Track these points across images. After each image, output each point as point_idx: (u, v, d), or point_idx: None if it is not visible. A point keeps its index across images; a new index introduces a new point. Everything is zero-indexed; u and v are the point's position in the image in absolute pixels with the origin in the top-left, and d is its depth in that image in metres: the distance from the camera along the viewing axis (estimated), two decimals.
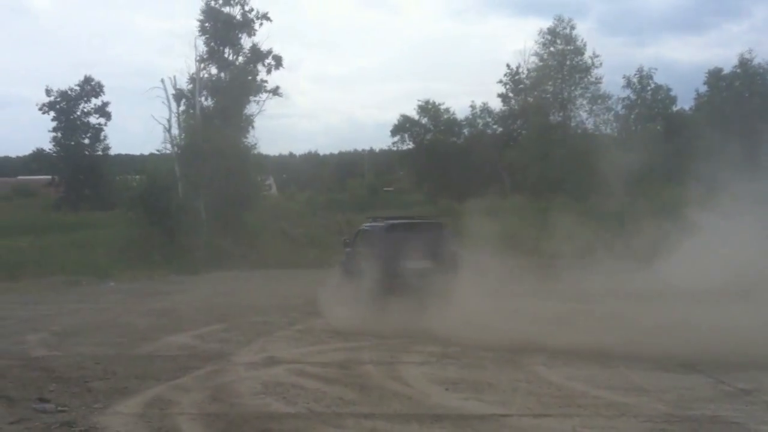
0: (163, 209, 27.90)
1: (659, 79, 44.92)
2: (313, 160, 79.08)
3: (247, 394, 8.22)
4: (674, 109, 45.10)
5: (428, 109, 47.76)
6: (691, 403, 7.71)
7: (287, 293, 18.27)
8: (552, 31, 44.22)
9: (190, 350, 11.07)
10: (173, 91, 33.09)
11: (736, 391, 8.18)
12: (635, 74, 44.76)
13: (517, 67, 46.03)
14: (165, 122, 32.54)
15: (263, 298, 17.32)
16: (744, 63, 40.55)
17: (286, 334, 12.46)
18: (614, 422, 7.02)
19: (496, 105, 47.14)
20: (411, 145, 48.38)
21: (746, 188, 15.74)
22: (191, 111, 33.74)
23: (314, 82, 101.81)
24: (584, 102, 44.01)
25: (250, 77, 35.10)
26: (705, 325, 10.59)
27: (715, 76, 41.84)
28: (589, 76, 43.64)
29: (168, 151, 33.18)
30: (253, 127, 35.43)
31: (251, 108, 35.66)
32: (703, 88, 43.99)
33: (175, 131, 32.82)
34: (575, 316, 12.56)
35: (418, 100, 49.16)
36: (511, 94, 46.66)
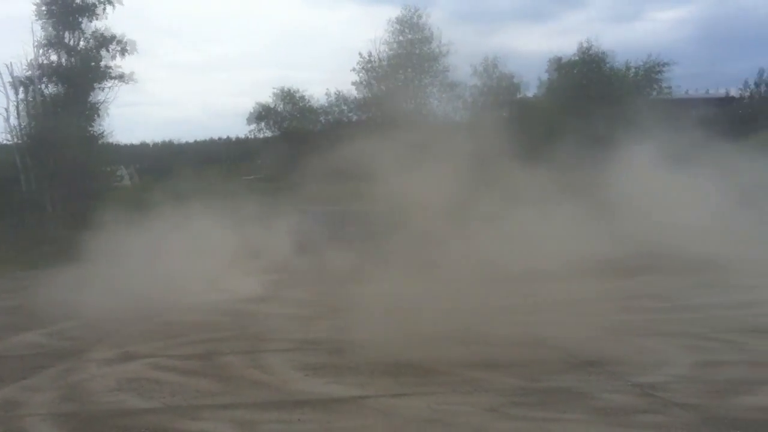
0: (4, 204, 26.47)
1: (506, 66, 46.46)
2: (169, 149, 76.62)
3: (100, 392, 8.00)
4: (519, 96, 46.81)
5: (285, 96, 47.48)
6: (540, 375, 8.11)
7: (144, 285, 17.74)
8: (401, 20, 44.93)
9: (39, 349, 10.62)
10: (10, 79, 31.33)
11: (582, 363, 8.64)
12: (482, 62, 46.17)
13: (370, 56, 46.51)
14: (3, 111, 30.76)
15: (118, 292, 16.74)
16: (583, 51, 42.65)
17: (143, 327, 12.08)
18: (468, 398, 7.33)
19: (352, 93, 47.46)
20: (269, 133, 47.96)
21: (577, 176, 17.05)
22: (31, 99, 32.01)
23: (169, 68, 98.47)
24: (434, 90, 45.03)
25: (93, 63, 33.58)
26: None
27: (556, 64, 43.75)
28: (438, 65, 44.68)
29: (8, 142, 31.37)
30: (99, 116, 33.92)
31: (98, 95, 34.16)
32: (546, 76, 45.94)
33: (14, 121, 31.08)
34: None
35: (274, 88, 48.77)
36: (365, 83, 47.09)
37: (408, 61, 45.37)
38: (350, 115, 48.07)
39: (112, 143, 36.11)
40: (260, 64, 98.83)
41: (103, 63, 33.92)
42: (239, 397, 7.59)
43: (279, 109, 48.02)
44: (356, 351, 9.58)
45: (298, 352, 9.70)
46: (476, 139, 14.78)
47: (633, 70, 41.42)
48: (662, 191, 17.81)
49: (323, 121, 48.18)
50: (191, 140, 66.40)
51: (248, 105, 51.79)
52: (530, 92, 47.44)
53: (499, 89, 46.32)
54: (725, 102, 48.22)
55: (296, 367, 8.79)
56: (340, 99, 47.73)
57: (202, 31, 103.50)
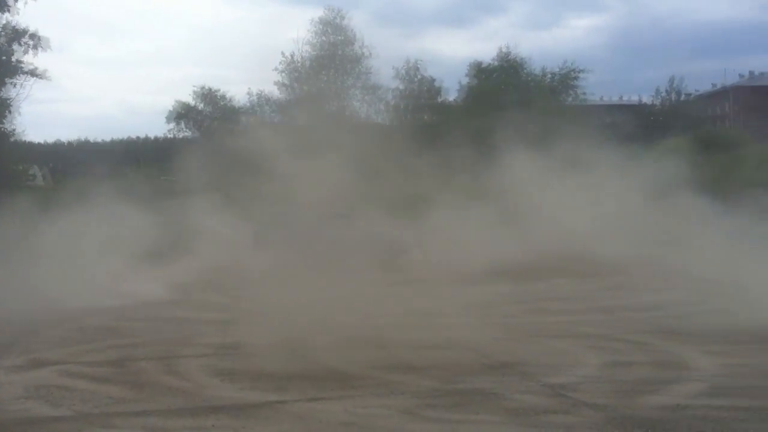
0: None
1: (428, 70, 46.95)
2: (85, 147, 74.49)
3: (7, 400, 7.73)
4: (440, 99, 47.37)
5: (205, 96, 46.83)
6: (455, 377, 8.24)
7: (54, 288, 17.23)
8: (324, 21, 44.92)
9: None
10: None
11: (495, 365, 8.84)
12: (404, 66, 46.54)
13: (292, 56, 46.30)
14: None
15: (26, 295, 16.21)
16: (502, 57, 43.48)
17: (53, 332, 11.70)
18: (384, 400, 7.39)
19: (274, 93, 47.14)
20: (188, 133, 47.21)
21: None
22: None
23: (86, 65, 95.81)
24: (357, 92, 45.14)
25: (4, 57, 32.41)
26: None
27: (476, 69, 44.46)
28: (360, 67, 44.81)
29: None
30: (9, 112, 32.78)
31: (10, 91, 32.98)
32: (466, 80, 46.63)
33: None
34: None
35: (194, 87, 48.06)
36: (287, 83, 46.85)
37: (331, 62, 45.35)
38: (273, 115, 47.77)
39: (24, 141, 35.02)
40: (180, 61, 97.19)
41: (14, 58, 32.85)
42: (152, 403, 7.46)
43: (199, 109, 47.34)
44: (274, 356, 9.52)
45: (215, 357, 9.59)
46: (389, 142, 14.95)
47: (549, 76, 42.45)
48: (571, 195, 18.38)
49: (245, 121, 47.69)
50: (108, 139, 64.82)
51: (168, 103, 50.81)
52: (451, 96, 48.05)
53: (420, 93, 46.76)
54: (638, 108, 49.89)
55: (212, 373, 8.69)
56: (262, 99, 47.36)
57: (120, 27, 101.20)
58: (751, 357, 8.75)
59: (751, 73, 72.17)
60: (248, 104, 47.15)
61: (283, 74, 46.48)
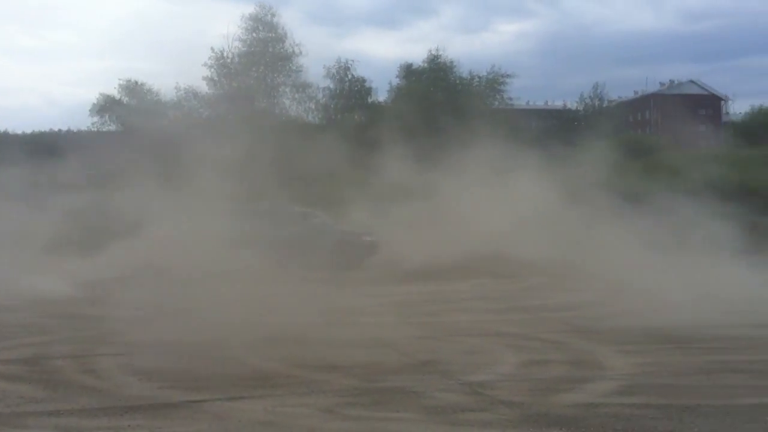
0: None
1: (359, 70, 47.09)
2: (4, 139, 72.01)
3: None
4: (370, 100, 47.53)
5: (131, 89, 45.81)
6: (376, 376, 8.29)
7: None
8: (254, 18, 44.51)
9: None
10: None
11: (417, 363, 8.94)
12: (335, 65, 46.52)
13: (222, 52, 45.74)
14: None
15: None
16: (431, 59, 43.87)
17: None
18: (305, 399, 7.37)
19: (203, 88, 46.46)
20: (113, 127, 46.13)
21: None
22: None
23: (5, 55, 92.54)
24: (287, 90, 44.91)
25: None
26: None
27: (406, 70, 44.76)
28: (291, 65, 44.59)
29: None
30: None
31: None
32: (396, 81, 46.88)
33: None
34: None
35: (120, 79, 46.97)
36: (216, 78, 46.26)
37: (261, 59, 44.97)
38: (201, 111, 47.08)
39: None
40: (104, 52, 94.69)
41: None
42: (67, 403, 7.26)
43: (124, 102, 46.30)
44: (193, 354, 9.43)
45: (133, 356, 9.38)
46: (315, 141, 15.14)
47: (477, 79, 43.01)
48: (494, 197, 18.74)
49: (172, 116, 46.92)
50: (29, 131, 62.78)
51: (92, 96, 49.56)
52: (381, 97, 48.25)
53: (351, 93, 46.83)
54: (562, 113, 50.95)
55: (129, 372, 8.52)
56: (190, 94, 46.61)
57: (41, 16, 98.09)
58: (662, 357, 9.05)
59: (671, 81, 74.65)
60: (176, 99, 46.37)
61: (212, 70, 45.94)
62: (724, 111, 71.10)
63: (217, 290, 12.64)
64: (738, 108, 64.62)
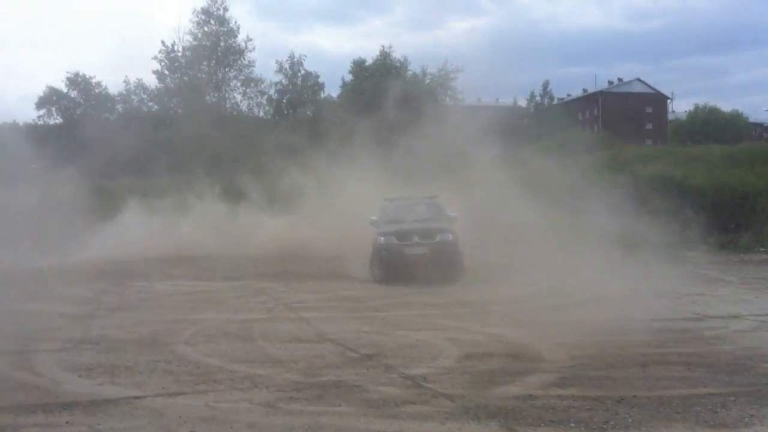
0: None
1: (311, 65, 47.05)
2: None
3: None
4: (322, 95, 47.49)
5: (78, 82, 45.03)
6: (319, 370, 8.31)
7: None
8: (205, 11, 44.10)
9: None
10: None
11: (360, 357, 8.97)
12: (287, 60, 46.35)
13: (173, 45, 45.22)
14: None
15: None
16: (384, 55, 44.02)
17: None
18: (247, 394, 7.36)
19: (152, 82, 45.89)
20: (59, 120, 45.31)
21: None
22: None
23: None
24: (238, 84, 44.62)
25: None
26: None
27: (359, 66, 44.83)
28: (242, 59, 44.32)
29: None
30: None
31: None
32: (349, 77, 46.89)
33: None
34: None
35: (67, 72, 46.14)
36: (166, 72, 45.72)
37: (211, 53, 44.61)
38: (150, 104, 46.51)
39: None
40: (49, 44, 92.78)
41: None
42: (2, 400, 7.16)
43: (72, 95, 45.50)
44: (135, 350, 9.37)
45: (73, 351, 9.29)
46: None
47: (429, 76, 43.25)
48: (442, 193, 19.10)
49: (120, 109, 46.26)
50: None
51: (33, 88, 48.52)
52: (334, 93, 48.25)
53: (303, 88, 46.73)
54: (513, 110, 51.46)
55: (68, 368, 8.42)
56: (139, 88, 46.04)
57: None
58: (599, 349, 9.22)
59: (620, 79, 76.06)
60: (124, 92, 45.74)
61: (162, 63, 45.42)
62: (669, 109, 72.66)
63: (166, 285, 12.58)
64: (683, 106, 66.16)
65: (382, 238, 16.20)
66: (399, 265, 15.90)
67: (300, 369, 8.37)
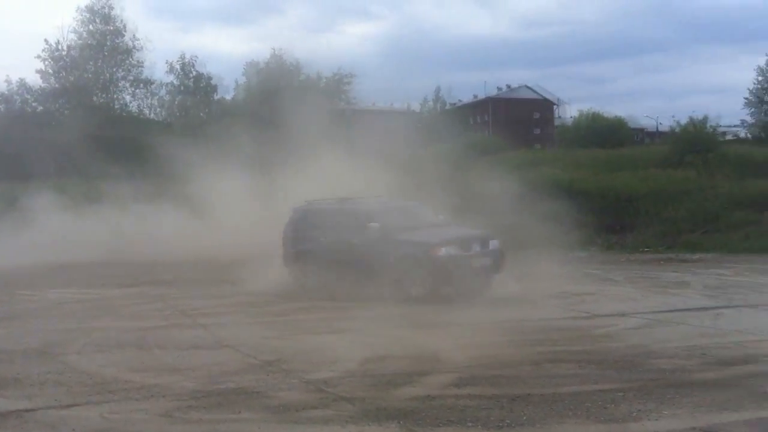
0: None
1: (208, 67, 46.30)
2: None
3: None
4: (216, 97, 46.79)
5: None
6: (218, 377, 8.22)
7: None
8: (90, 9, 42.72)
9: None
10: None
11: (260, 363, 8.92)
12: (178, 60, 45.43)
13: (57, 44, 43.57)
14: None
15: None
16: (277, 58, 43.73)
17: None
18: (143, 404, 7.21)
19: (36, 82, 44.06)
20: None
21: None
22: None
23: None
24: (127, 85, 43.46)
25: None
26: None
27: (252, 68, 44.39)
28: (131, 59, 43.18)
29: None
30: None
31: None
32: (242, 79, 46.35)
33: None
34: None
35: None
36: (51, 71, 44.01)
37: (98, 52, 43.25)
38: (35, 105, 44.63)
39: None
40: None
41: None
42: None
43: None
44: (26, 361, 9.03)
45: None
46: None
47: (324, 79, 43.29)
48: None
49: (2, 109, 44.22)
50: None
51: None
52: (228, 95, 47.61)
53: (196, 89, 45.91)
54: (406, 115, 52.05)
55: None
56: (23, 87, 44.10)
57: None
58: (495, 349, 9.47)
59: (508, 86, 78.23)
60: (6, 92, 43.74)
61: (47, 62, 43.70)
62: (556, 115, 75.20)
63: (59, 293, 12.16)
64: (569, 112, 68.54)
65: (444, 249, 13.55)
66: (463, 279, 13.68)
67: (198, 377, 8.27)
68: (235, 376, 8.27)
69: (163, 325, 11.70)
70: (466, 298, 13.20)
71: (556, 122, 70.95)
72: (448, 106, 62.96)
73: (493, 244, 14.39)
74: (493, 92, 77.20)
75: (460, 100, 72.00)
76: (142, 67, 43.95)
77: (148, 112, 45.61)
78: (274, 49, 44.93)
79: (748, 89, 52.44)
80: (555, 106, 76.63)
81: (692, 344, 9.64)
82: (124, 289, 16.32)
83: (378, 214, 14.30)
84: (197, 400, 7.35)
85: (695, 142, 31.48)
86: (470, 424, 6.45)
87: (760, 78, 52.46)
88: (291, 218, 15.77)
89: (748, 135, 48.81)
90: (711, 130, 34.16)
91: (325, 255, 14.57)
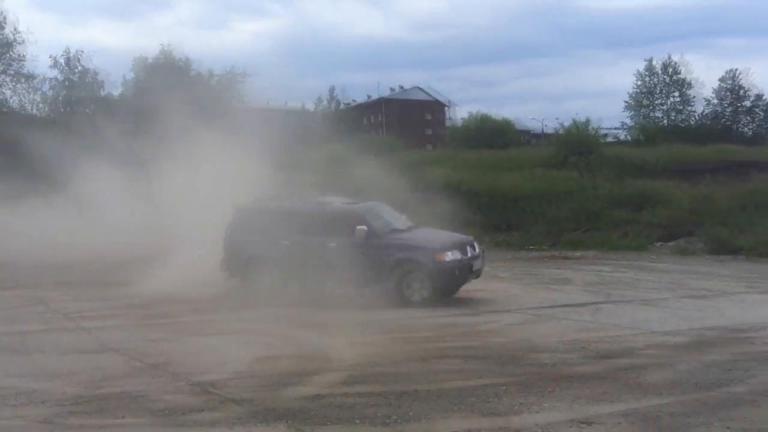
0: None
1: (96, 62, 44.61)
2: None
3: None
4: (102, 93, 45.24)
5: None
6: (101, 382, 8.02)
7: None
8: None
9: None
10: None
11: (146, 366, 8.74)
12: (63, 54, 43.72)
13: None
14: None
15: None
16: (166, 54, 42.62)
17: None
18: (21, 411, 6.96)
19: None
20: None
21: None
22: None
23: None
24: (8, 79, 41.49)
25: None
26: None
27: (141, 64, 43.08)
28: (11, 52, 41.26)
29: None
30: None
31: None
32: (130, 75, 44.96)
33: None
34: None
35: None
36: None
37: None
38: None
39: None
40: None
41: None
42: None
43: None
44: None
45: None
46: None
47: (216, 77, 42.53)
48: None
49: None
50: None
51: None
52: (116, 91, 46.11)
53: (82, 85, 44.27)
54: (301, 114, 51.88)
55: None
56: None
57: None
58: (384, 346, 9.62)
59: (401, 87, 79.17)
60: None
61: None
62: (447, 116, 76.61)
63: None
64: (460, 114, 69.93)
65: (449, 254, 13.15)
66: (461, 283, 13.66)
67: (80, 381, 8.04)
68: (119, 380, 8.09)
69: (43, 328, 11.28)
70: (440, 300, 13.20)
71: (447, 123, 72.22)
72: (342, 106, 63.15)
73: (478, 247, 14.45)
74: (387, 93, 77.95)
75: (354, 100, 72.42)
76: (23, 61, 42.05)
77: (30, 107, 43.66)
78: (162, 45, 43.82)
79: (628, 93, 55.25)
80: (446, 108, 78.02)
81: (573, 338, 10.05)
82: (3, 291, 15.62)
83: (360, 216, 13.70)
84: (78, 405, 7.14)
85: (578, 144, 32.73)
86: (358, 421, 6.52)
87: (639, 83, 55.24)
88: (235, 219, 14.35)
89: (628, 137, 51.13)
90: (593, 132, 35.63)
91: (289, 259, 13.64)
